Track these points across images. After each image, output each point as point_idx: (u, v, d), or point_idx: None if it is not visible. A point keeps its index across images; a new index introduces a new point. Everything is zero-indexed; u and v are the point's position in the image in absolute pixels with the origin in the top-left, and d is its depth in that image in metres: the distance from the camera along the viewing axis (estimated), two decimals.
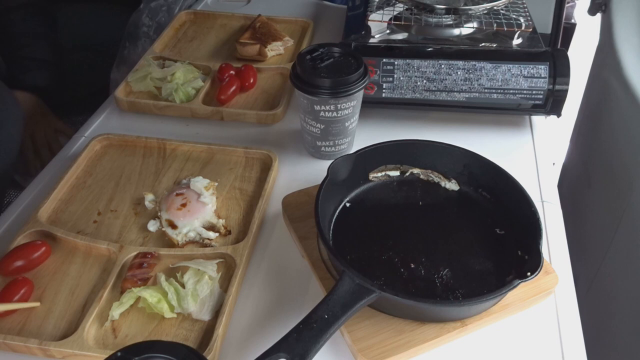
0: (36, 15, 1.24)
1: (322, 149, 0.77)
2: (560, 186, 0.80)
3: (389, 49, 0.80)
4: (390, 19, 0.87)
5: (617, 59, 0.93)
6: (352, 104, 0.72)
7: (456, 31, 0.86)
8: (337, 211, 0.67)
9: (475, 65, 0.78)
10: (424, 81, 0.79)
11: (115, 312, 0.57)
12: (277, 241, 0.67)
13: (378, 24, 0.88)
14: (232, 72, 0.91)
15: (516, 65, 0.78)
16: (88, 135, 0.84)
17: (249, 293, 0.61)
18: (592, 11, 1.04)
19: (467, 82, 0.78)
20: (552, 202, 0.72)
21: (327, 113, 0.71)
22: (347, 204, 0.68)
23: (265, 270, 0.64)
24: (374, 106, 0.82)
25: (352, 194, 0.69)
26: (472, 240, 0.63)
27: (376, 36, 0.86)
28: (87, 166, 0.76)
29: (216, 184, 0.72)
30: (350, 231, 0.64)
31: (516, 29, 0.83)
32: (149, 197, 0.70)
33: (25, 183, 0.81)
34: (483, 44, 0.83)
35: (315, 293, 0.60)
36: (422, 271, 0.59)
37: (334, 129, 0.74)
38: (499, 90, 0.78)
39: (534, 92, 0.78)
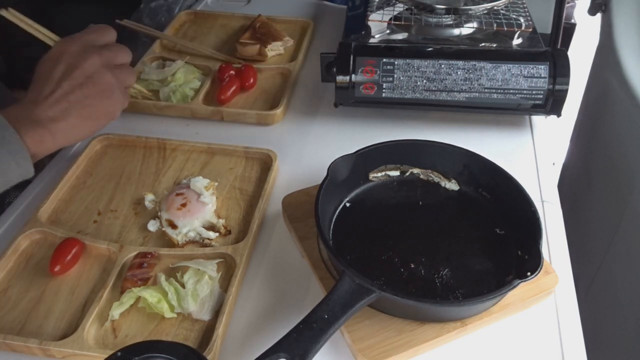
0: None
1: None
2: (560, 186, 0.80)
3: (389, 49, 0.80)
4: (390, 19, 0.87)
5: (617, 59, 0.93)
6: None
7: (456, 31, 0.86)
8: (337, 211, 0.67)
9: (475, 65, 0.78)
10: (424, 81, 0.79)
11: (115, 312, 0.57)
12: (277, 241, 0.67)
13: (378, 24, 0.87)
14: (232, 72, 0.91)
15: (516, 65, 0.77)
16: None
17: (249, 293, 0.61)
18: (592, 11, 1.04)
19: (467, 82, 0.78)
20: (552, 202, 0.72)
21: None
22: (347, 204, 0.68)
23: (265, 270, 0.64)
24: (374, 106, 0.82)
25: (352, 194, 0.69)
26: (472, 240, 0.63)
27: (376, 36, 0.86)
28: (87, 166, 0.76)
29: (216, 184, 0.72)
30: (350, 231, 0.64)
31: (516, 29, 0.83)
32: (149, 197, 0.70)
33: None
34: (483, 44, 0.83)
35: (315, 293, 0.60)
36: (422, 271, 0.59)
37: None
38: (499, 90, 0.78)
39: (534, 92, 0.78)
